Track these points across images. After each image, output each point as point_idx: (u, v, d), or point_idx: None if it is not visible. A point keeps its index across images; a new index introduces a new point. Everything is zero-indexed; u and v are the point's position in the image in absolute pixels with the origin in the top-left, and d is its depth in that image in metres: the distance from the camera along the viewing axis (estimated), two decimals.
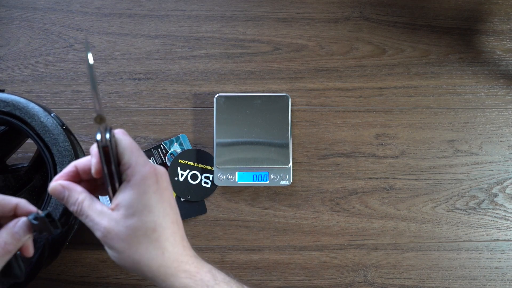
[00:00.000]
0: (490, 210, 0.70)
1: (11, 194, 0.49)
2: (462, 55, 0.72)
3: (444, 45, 0.73)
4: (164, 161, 0.70)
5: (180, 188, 0.69)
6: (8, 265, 0.41)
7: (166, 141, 0.70)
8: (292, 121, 0.70)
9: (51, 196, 0.51)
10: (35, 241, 0.49)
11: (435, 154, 0.71)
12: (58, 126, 0.53)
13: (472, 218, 0.69)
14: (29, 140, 0.57)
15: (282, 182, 0.69)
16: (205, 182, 0.70)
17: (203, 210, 0.69)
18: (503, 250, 0.69)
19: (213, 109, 0.70)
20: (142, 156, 0.39)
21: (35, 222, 0.38)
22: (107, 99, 0.71)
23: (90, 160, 0.40)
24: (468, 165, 0.70)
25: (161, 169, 0.40)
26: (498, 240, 0.69)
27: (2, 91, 0.55)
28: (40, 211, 0.39)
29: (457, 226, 0.69)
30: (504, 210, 0.70)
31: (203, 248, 0.69)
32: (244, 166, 0.69)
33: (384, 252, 0.69)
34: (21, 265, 0.44)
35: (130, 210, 0.37)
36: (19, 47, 0.72)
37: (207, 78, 0.72)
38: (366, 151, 0.71)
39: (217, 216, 0.69)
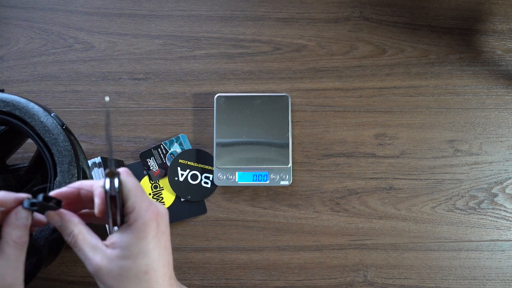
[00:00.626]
0: (490, 210, 0.70)
1: None
2: (462, 55, 0.72)
3: (444, 45, 0.73)
4: (164, 161, 0.70)
5: (180, 188, 0.69)
6: (29, 248, 0.42)
7: (166, 141, 0.70)
8: (292, 121, 0.70)
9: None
10: (35, 241, 0.49)
11: (435, 154, 0.71)
12: (58, 126, 0.53)
13: (472, 218, 0.69)
14: (29, 140, 0.57)
15: (282, 182, 0.69)
16: (205, 182, 0.70)
17: (203, 210, 0.69)
18: (503, 250, 0.69)
19: (213, 109, 0.70)
20: (145, 199, 0.40)
21: (34, 208, 0.39)
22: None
23: (93, 187, 0.40)
24: (468, 165, 0.70)
25: (162, 211, 0.41)
26: (498, 240, 0.69)
27: (2, 91, 0.55)
28: (29, 196, 0.40)
29: (457, 226, 0.69)
30: (504, 210, 0.70)
31: (203, 248, 0.69)
32: (244, 166, 0.69)
33: (384, 252, 0.69)
34: (37, 243, 0.45)
35: (126, 252, 0.38)
36: (19, 47, 0.72)
37: (207, 78, 0.72)
38: (366, 151, 0.71)
39: (217, 216, 0.69)
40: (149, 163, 0.70)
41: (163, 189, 0.70)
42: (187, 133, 0.71)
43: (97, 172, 0.60)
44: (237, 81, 0.72)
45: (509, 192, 0.70)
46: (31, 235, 0.43)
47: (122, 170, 0.40)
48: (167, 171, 0.70)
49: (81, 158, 0.55)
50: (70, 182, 0.51)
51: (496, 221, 0.69)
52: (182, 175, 0.70)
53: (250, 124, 0.69)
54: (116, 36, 0.72)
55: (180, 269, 0.69)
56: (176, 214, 0.69)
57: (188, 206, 0.69)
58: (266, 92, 0.71)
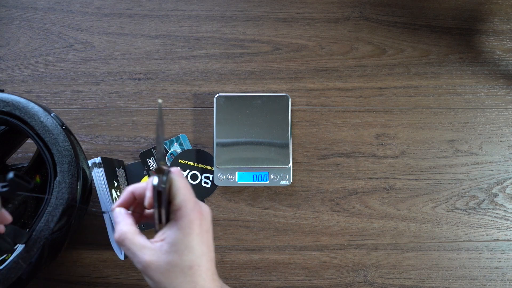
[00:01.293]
0: (490, 210, 0.70)
1: None
2: (462, 55, 0.72)
3: (444, 45, 0.73)
4: (164, 161, 0.70)
5: None
6: None
7: (166, 141, 0.70)
8: (292, 121, 0.70)
9: (50, 195, 0.51)
10: (35, 241, 0.49)
11: (435, 154, 0.71)
12: (58, 126, 0.53)
13: (472, 218, 0.69)
14: (29, 140, 0.57)
15: (282, 182, 0.69)
16: (205, 182, 0.70)
17: None
18: (503, 250, 0.69)
19: (213, 109, 0.70)
20: (192, 199, 0.43)
21: (4, 189, 0.39)
22: (107, 99, 0.71)
23: (145, 188, 0.44)
24: (468, 165, 0.70)
25: (206, 211, 0.44)
26: (498, 240, 0.69)
27: (2, 91, 0.55)
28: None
29: (457, 226, 0.69)
30: (504, 210, 0.70)
31: None
32: (244, 166, 0.69)
33: (384, 252, 0.69)
34: (5, 238, 0.45)
35: (173, 247, 0.41)
36: (19, 47, 0.72)
37: (207, 78, 0.72)
38: (366, 151, 0.71)
39: (217, 216, 0.69)
40: (149, 163, 0.70)
41: None
42: (187, 133, 0.71)
43: (97, 172, 0.60)
44: (237, 81, 0.72)
45: (509, 192, 0.70)
46: None
47: (174, 169, 0.43)
48: None
49: (81, 158, 0.55)
50: (70, 182, 0.51)
51: (496, 221, 0.69)
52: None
53: (250, 124, 0.69)
54: (116, 36, 0.72)
55: None
56: None
57: None
58: (266, 92, 0.71)
